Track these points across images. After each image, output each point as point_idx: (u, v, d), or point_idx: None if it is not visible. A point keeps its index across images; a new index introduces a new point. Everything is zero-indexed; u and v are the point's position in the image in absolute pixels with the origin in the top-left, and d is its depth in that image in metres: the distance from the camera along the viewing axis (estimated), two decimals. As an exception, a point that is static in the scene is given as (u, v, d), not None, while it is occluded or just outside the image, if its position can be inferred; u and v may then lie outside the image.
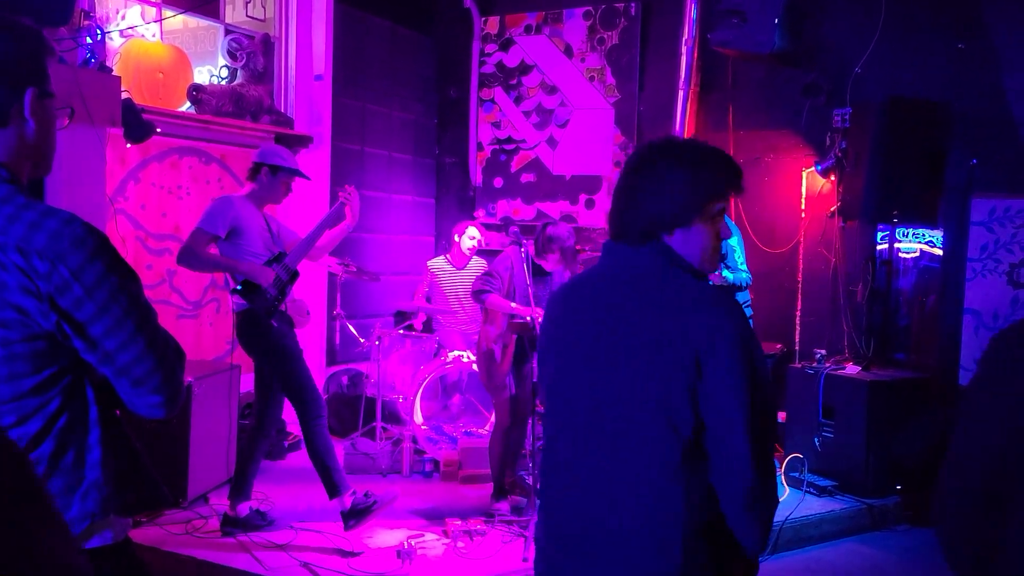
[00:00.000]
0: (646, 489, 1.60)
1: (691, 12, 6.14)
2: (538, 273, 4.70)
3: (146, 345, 1.51)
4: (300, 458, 5.18)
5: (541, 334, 1.90)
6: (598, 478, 1.67)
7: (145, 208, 5.07)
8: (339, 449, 5.57)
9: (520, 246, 4.53)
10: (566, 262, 4.69)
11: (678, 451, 1.58)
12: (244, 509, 4.30)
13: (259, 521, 4.34)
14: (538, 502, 1.91)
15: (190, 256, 3.99)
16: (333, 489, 4.16)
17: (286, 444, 5.64)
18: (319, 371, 6.19)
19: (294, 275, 4.24)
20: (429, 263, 6.20)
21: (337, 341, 6.25)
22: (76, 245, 1.43)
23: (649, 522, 1.59)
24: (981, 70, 5.40)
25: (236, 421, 5.04)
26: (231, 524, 4.25)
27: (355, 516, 4.17)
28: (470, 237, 6.02)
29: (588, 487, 1.68)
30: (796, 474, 5.08)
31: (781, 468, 5.21)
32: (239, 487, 4.29)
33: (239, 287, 4.07)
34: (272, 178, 4.16)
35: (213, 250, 4.04)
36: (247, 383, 5.55)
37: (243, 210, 4.10)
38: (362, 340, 5.88)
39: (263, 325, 4.11)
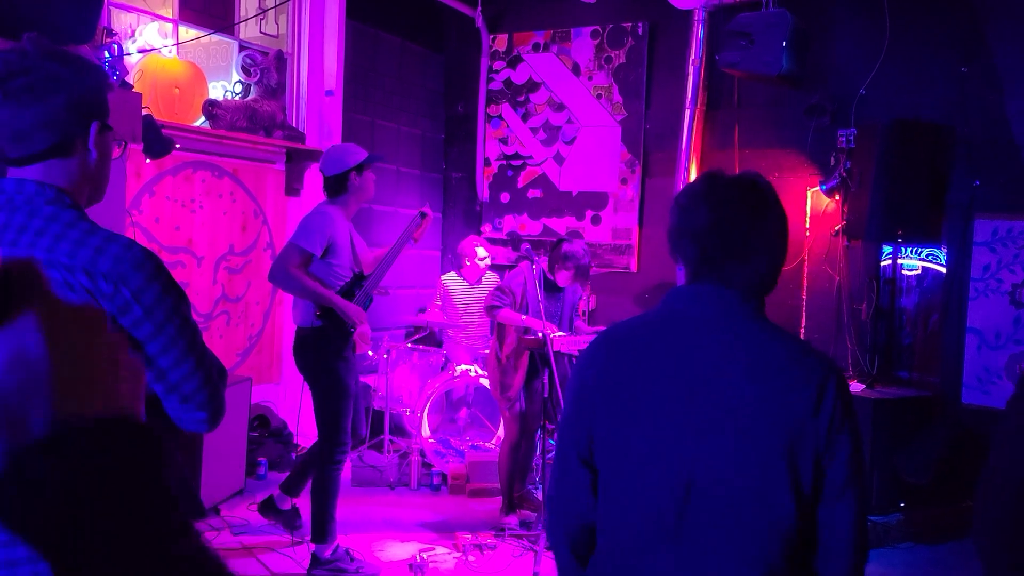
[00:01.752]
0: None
1: (698, 33, 6.23)
2: (550, 289, 4.76)
3: (196, 363, 1.59)
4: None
5: (591, 382, 1.62)
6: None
7: (159, 221, 5.13)
8: (346, 462, 5.63)
9: (532, 262, 4.59)
10: (579, 279, 4.75)
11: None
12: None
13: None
14: None
15: (285, 276, 3.76)
16: (321, 535, 3.96)
17: (294, 456, 5.68)
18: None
19: (370, 300, 4.03)
20: (443, 278, 6.30)
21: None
22: (137, 268, 1.51)
23: None
24: (984, 93, 5.48)
25: (247, 433, 5.09)
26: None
27: (328, 570, 3.98)
28: (480, 258, 6.09)
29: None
30: (801, 490, 5.13)
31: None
32: (295, 483, 4.22)
33: (320, 311, 3.85)
34: (361, 177, 3.94)
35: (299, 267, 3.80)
36: (257, 395, 5.62)
37: (339, 224, 3.87)
38: (370, 353, 5.92)
39: (334, 349, 3.88)
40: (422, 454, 5.58)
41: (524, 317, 4.61)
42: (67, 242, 1.49)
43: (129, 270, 1.50)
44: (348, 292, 3.94)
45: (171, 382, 1.57)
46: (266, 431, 5.66)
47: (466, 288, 6.17)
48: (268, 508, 4.33)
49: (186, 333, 1.58)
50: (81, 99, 1.55)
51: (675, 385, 1.49)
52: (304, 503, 4.22)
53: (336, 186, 3.93)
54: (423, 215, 4.19)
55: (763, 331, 1.51)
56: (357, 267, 4.00)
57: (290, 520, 4.36)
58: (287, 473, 5.46)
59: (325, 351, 3.89)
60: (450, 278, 6.26)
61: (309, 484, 4.14)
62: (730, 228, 1.52)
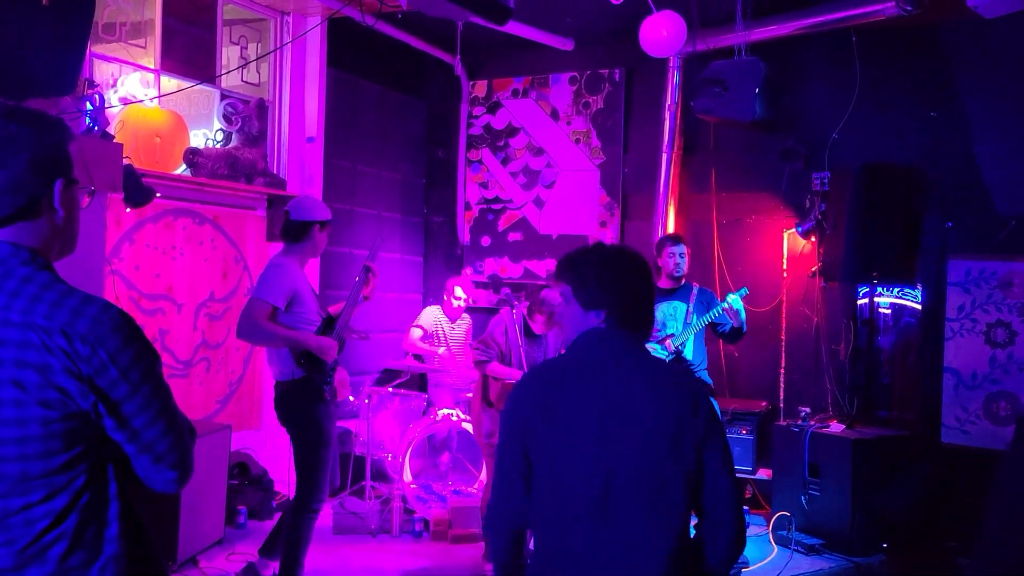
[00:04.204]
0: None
1: (674, 79, 6.36)
2: (531, 334, 4.82)
3: (168, 424, 1.60)
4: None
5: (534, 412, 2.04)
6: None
7: (139, 269, 5.12)
8: (327, 508, 5.58)
9: (512, 307, 4.64)
10: (556, 325, 4.82)
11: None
12: None
13: None
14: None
15: (253, 330, 3.78)
16: None
17: (275, 504, 5.63)
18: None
19: (343, 342, 4.04)
20: (426, 309, 6.39)
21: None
22: (114, 330, 1.53)
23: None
24: (954, 137, 5.62)
25: (226, 481, 5.04)
26: None
27: None
28: (455, 297, 6.20)
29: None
30: (784, 532, 5.13)
31: (769, 526, 5.26)
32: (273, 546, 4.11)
33: (301, 358, 3.86)
34: (322, 232, 4.03)
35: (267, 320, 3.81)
36: (237, 442, 5.57)
37: (296, 274, 3.91)
38: (351, 398, 5.91)
39: (315, 398, 3.89)
40: (404, 500, 5.54)
41: (513, 371, 4.69)
42: (44, 304, 1.50)
43: (107, 332, 1.52)
44: (321, 334, 3.95)
45: (144, 442, 1.58)
46: (246, 479, 5.61)
47: (446, 325, 6.31)
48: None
49: (160, 394, 1.59)
50: (44, 158, 1.57)
51: (591, 404, 1.96)
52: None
53: (299, 232, 3.99)
54: (367, 269, 4.15)
55: (652, 361, 2.06)
56: (324, 311, 4.03)
57: None
58: (268, 522, 5.43)
59: (308, 401, 3.89)
60: (433, 311, 6.36)
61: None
62: (644, 294, 2.11)
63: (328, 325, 3.99)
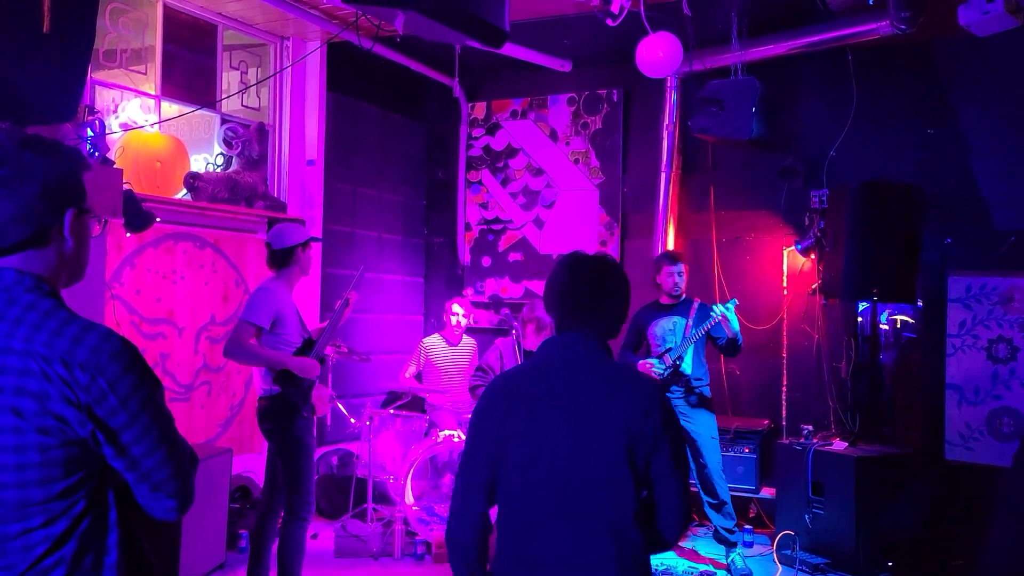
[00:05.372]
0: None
1: (671, 99, 6.39)
2: (527, 355, 4.85)
3: (168, 452, 1.60)
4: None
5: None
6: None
7: (140, 293, 5.14)
8: (329, 532, 5.56)
9: (510, 333, 4.68)
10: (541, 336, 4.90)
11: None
12: None
13: None
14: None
15: (238, 350, 4.02)
16: None
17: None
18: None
19: (322, 362, 4.29)
20: (424, 340, 6.32)
21: (328, 422, 6.26)
22: (114, 358, 1.53)
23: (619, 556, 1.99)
24: (951, 154, 5.64)
25: (228, 505, 5.02)
26: None
27: None
28: (453, 314, 6.18)
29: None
30: (788, 552, 5.10)
31: (773, 546, 5.23)
32: (255, 571, 4.22)
33: (279, 376, 4.07)
34: (305, 253, 4.26)
35: (252, 340, 4.04)
36: (239, 466, 5.56)
37: (282, 298, 4.15)
38: (352, 420, 5.90)
39: (293, 413, 4.11)
40: (406, 522, 5.51)
41: None
42: (44, 332, 1.51)
43: (106, 360, 1.52)
44: (300, 355, 4.20)
45: (143, 471, 1.58)
46: (248, 502, 5.59)
47: (447, 349, 6.21)
48: None
49: (160, 422, 1.59)
50: (56, 188, 1.57)
51: (546, 410, 2.02)
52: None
53: (283, 259, 4.22)
54: (347, 302, 4.41)
55: (610, 366, 2.09)
56: (306, 333, 4.27)
57: None
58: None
59: (285, 416, 4.11)
60: (432, 340, 6.29)
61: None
62: (587, 292, 2.11)
63: (307, 347, 4.22)
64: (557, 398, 2.02)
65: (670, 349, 5.12)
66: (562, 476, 1.98)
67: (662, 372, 5.08)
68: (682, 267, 5.22)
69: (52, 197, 1.57)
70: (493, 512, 2.11)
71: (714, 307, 5.05)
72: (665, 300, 5.25)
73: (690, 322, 5.17)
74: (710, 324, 5.05)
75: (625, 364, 2.30)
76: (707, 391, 5.26)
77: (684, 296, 5.27)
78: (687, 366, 5.11)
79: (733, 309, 5.02)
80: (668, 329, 5.20)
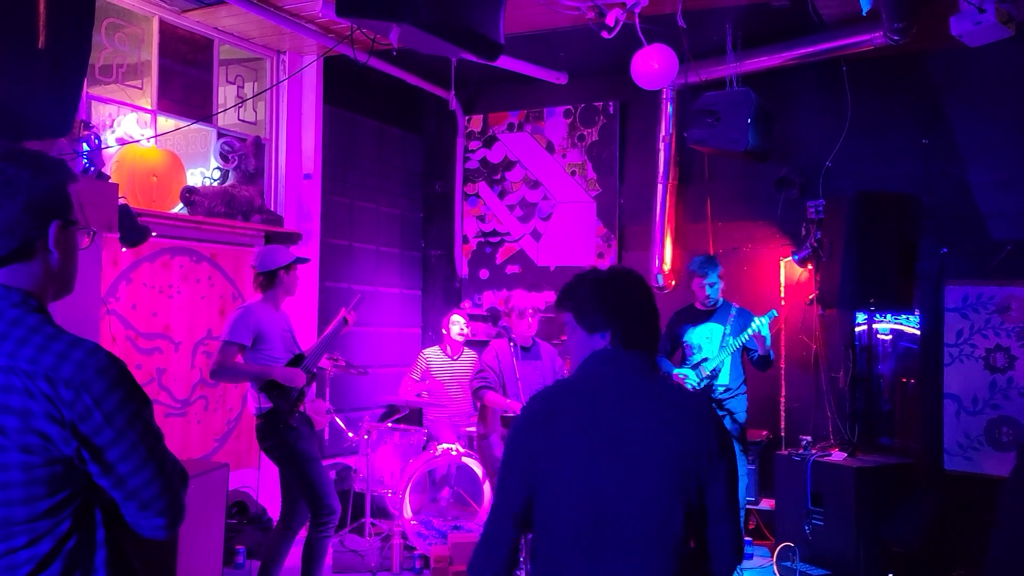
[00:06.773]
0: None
1: (667, 110, 6.41)
2: (528, 356, 4.92)
3: (156, 470, 1.57)
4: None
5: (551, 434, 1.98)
6: None
7: (136, 308, 5.13)
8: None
9: (508, 338, 4.69)
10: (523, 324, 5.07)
11: None
12: None
13: None
14: None
15: (223, 371, 4.18)
16: None
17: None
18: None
19: (313, 376, 4.40)
20: (424, 352, 6.33)
21: (326, 435, 6.23)
22: (100, 374, 1.50)
23: None
24: (946, 164, 5.65)
25: (224, 521, 4.99)
26: None
27: None
28: (453, 323, 6.20)
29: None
30: (788, 563, 5.07)
31: (773, 557, 5.21)
32: None
33: (266, 388, 4.21)
34: (289, 275, 4.42)
35: (239, 359, 4.21)
36: (235, 481, 5.53)
37: (264, 316, 4.29)
38: (351, 434, 5.88)
39: (283, 426, 4.22)
40: (404, 536, 5.49)
41: (508, 401, 4.73)
42: (29, 348, 1.49)
43: (92, 376, 1.49)
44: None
45: (130, 489, 1.54)
46: (244, 518, 5.56)
47: (447, 362, 6.22)
48: None
49: (147, 440, 1.56)
50: (41, 201, 1.55)
51: (591, 427, 1.90)
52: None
53: (267, 282, 4.39)
54: (345, 322, 4.59)
55: (658, 384, 1.99)
56: (297, 349, 4.43)
57: None
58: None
59: (278, 429, 4.22)
60: (432, 352, 6.29)
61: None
62: (652, 310, 2.06)
63: (296, 361, 4.34)
64: (601, 415, 1.91)
65: (705, 360, 5.11)
66: (600, 499, 1.87)
67: (696, 384, 5.08)
68: (714, 279, 5.22)
69: (36, 210, 1.55)
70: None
71: (754, 320, 5.03)
72: (700, 306, 5.28)
73: (727, 330, 5.16)
74: (747, 337, 5.04)
75: (678, 385, 2.11)
76: (742, 414, 5.21)
77: (722, 300, 5.28)
78: (724, 376, 5.11)
79: (768, 324, 5.02)
80: (705, 337, 5.22)
